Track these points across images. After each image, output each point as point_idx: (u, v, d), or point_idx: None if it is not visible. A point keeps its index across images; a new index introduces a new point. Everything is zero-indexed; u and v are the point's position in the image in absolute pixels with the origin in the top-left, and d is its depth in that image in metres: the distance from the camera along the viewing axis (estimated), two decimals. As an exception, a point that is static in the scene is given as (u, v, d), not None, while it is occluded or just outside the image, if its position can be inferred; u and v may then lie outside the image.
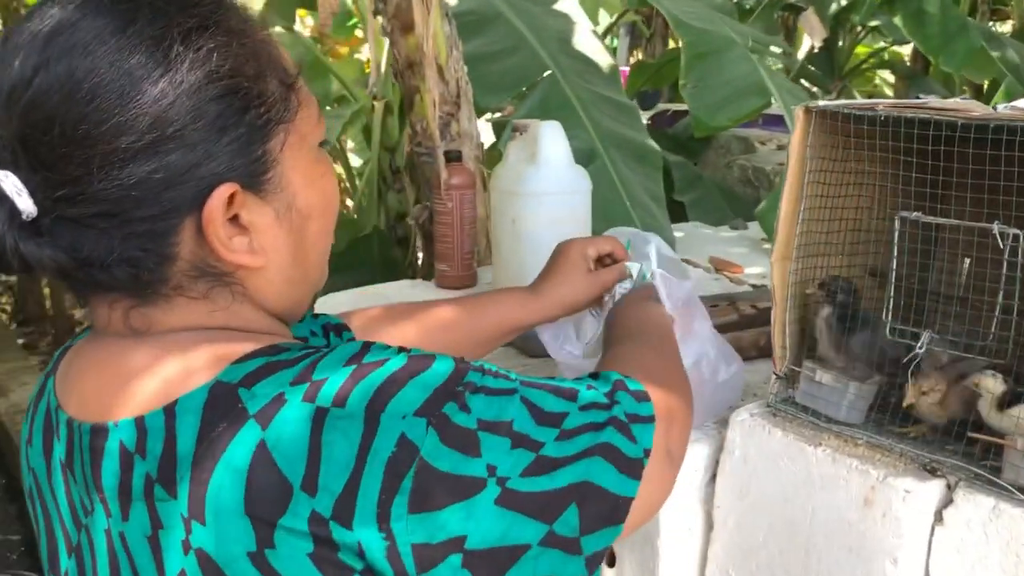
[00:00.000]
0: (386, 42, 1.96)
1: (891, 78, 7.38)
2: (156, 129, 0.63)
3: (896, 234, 0.94)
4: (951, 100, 0.91)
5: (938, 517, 0.90)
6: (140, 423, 0.65)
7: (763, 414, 1.05)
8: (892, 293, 0.95)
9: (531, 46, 2.11)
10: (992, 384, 0.89)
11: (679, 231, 2.31)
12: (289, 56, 0.73)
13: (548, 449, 0.66)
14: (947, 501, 0.90)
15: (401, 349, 0.68)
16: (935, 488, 0.90)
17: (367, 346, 0.67)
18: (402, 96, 1.90)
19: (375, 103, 2.74)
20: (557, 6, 2.33)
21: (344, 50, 5.29)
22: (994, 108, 0.90)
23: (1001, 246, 0.86)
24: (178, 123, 0.63)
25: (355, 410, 0.61)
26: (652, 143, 2.09)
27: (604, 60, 2.23)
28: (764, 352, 1.34)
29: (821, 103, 0.98)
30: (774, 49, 2.40)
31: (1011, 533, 0.84)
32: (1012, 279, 0.86)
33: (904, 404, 0.94)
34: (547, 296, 1.09)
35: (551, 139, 1.37)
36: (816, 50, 4.80)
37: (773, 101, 2.11)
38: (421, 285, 1.88)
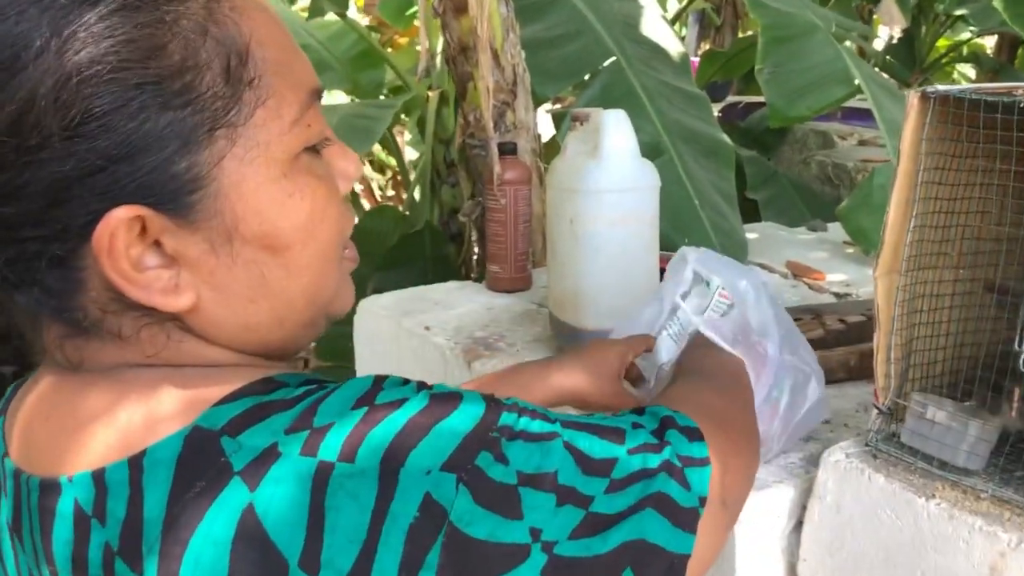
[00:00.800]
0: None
1: (971, 72, 7.04)
2: (16, 134, 0.49)
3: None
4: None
5: (1084, 595, 0.74)
6: (99, 478, 0.52)
7: (861, 455, 0.89)
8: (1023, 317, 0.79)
9: (595, 31, 1.96)
10: None
11: (752, 232, 2.14)
12: (281, 29, 0.57)
13: (598, 505, 0.55)
14: (1096, 576, 0.73)
15: (421, 385, 0.55)
16: (1081, 559, 0.74)
17: (379, 381, 0.54)
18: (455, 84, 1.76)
19: (429, 92, 2.62)
20: (623, -11, 2.17)
21: (404, 40, 5.19)
22: None
23: None
24: (47, 125, 0.49)
25: (367, 466, 0.50)
26: (724, 137, 1.92)
27: (674, 47, 2.07)
28: (854, 374, 1.19)
29: (941, 87, 0.82)
30: (858, 36, 2.21)
31: None
32: None
33: None
34: (563, 384, 0.92)
35: (615, 129, 1.22)
36: (895, 41, 4.56)
37: (859, 91, 1.92)
38: (470, 287, 1.75)
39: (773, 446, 0.94)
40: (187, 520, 0.49)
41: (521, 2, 2.01)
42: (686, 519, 0.60)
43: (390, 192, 5.35)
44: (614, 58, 1.93)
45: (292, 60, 0.57)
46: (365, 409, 0.52)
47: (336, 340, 2.51)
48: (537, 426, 0.56)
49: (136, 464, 0.51)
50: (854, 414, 1.09)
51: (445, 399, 0.54)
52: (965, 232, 0.91)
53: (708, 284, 0.98)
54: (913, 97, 0.83)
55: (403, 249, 2.66)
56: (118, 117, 0.49)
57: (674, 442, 0.63)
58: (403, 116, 3.09)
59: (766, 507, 0.94)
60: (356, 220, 0.66)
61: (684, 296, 0.99)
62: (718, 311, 0.96)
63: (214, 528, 0.49)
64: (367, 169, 5.11)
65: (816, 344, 1.22)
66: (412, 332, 1.52)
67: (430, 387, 0.56)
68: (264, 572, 0.49)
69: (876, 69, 4.87)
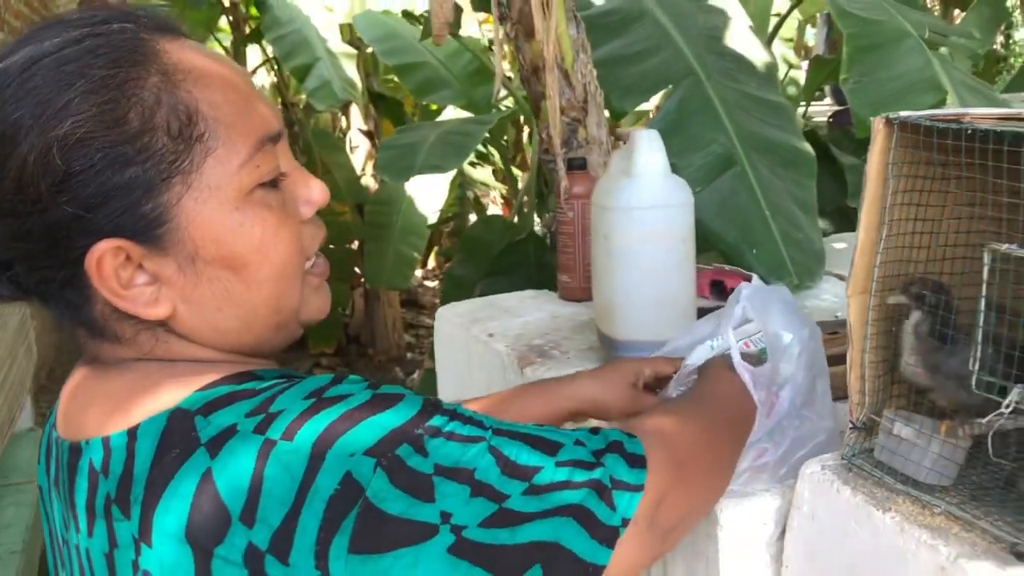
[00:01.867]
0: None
1: None
2: (19, 192, 0.64)
3: (986, 269, 0.79)
4: (1057, 108, 0.76)
5: (1023, 612, 0.75)
6: (107, 443, 0.67)
7: (836, 468, 0.92)
8: (980, 339, 0.80)
9: (676, 45, 2.00)
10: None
11: (842, 241, 2.12)
12: (234, 89, 0.69)
13: (513, 503, 0.63)
14: (1034, 594, 0.75)
15: (371, 385, 0.66)
16: (1018, 577, 0.75)
17: (338, 378, 0.66)
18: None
19: (538, 106, 2.72)
20: (712, 1, 2.19)
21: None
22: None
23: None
24: (39, 184, 0.64)
25: (302, 445, 0.61)
26: (805, 146, 1.92)
27: (760, 58, 2.08)
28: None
29: (903, 113, 0.84)
30: (962, 41, 2.14)
31: (1104, 644, 0.68)
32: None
33: None
34: (574, 388, 1.02)
35: (646, 149, 1.27)
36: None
37: (948, 98, 1.88)
38: (544, 296, 1.84)
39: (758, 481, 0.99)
40: (163, 478, 0.62)
41: (604, 19, 2.08)
42: (605, 535, 0.67)
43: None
44: (693, 72, 1.96)
45: (246, 113, 0.69)
46: (313, 400, 0.63)
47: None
48: (466, 430, 0.66)
49: (132, 434, 0.65)
50: (865, 428, 1.11)
51: (385, 398, 0.65)
52: (941, 254, 0.92)
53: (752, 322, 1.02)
54: (878, 123, 0.86)
55: (508, 256, 2.77)
56: (91, 174, 0.64)
57: (610, 465, 0.70)
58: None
59: (752, 515, 0.98)
60: (323, 236, 0.78)
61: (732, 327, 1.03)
62: (753, 347, 1.00)
63: (181, 485, 0.62)
64: (492, 179, 5.28)
65: (840, 359, 1.24)
66: (478, 339, 1.62)
67: (378, 387, 0.66)
68: (214, 522, 0.60)
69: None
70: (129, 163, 0.64)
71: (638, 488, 0.70)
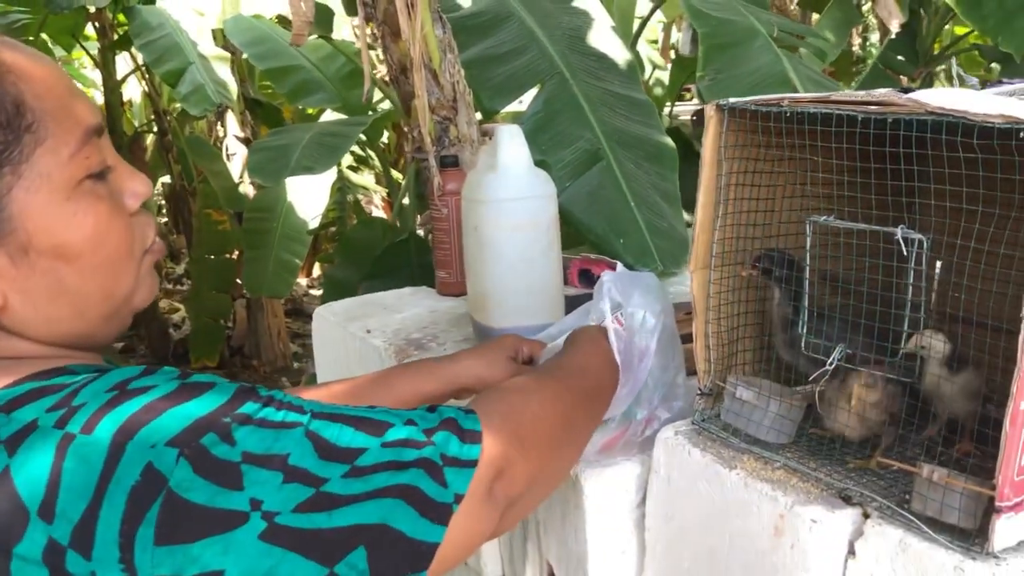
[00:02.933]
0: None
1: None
2: None
3: (808, 239, 0.86)
4: (864, 92, 0.83)
5: (851, 549, 0.82)
6: None
7: (687, 433, 0.99)
8: (806, 305, 0.88)
9: (541, 45, 2.06)
10: (938, 344, 0.82)
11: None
12: (56, 83, 0.69)
13: (331, 486, 0.64)
14: (859, 532, 0.82)
15: (181, 376, 0.66)
16: (846, 518, 0.82)
17: (147, 371, 0.66)
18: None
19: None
20: (576, 3, 2.27)
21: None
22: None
23: (905, 252, 0.78)
24: None
25: (101, 437, 0.60)
26: (667, 140, 2.01)
27: (622, 57, 2.16)
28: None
29: (732, 100, 0.91)
30: (811, 39, 2.27)
31: (916, 569, 0.76)
32: (918, 288, 0.78)
33: (851, 405, 0.86)
34: (461, 364, 1.05)
35: (509, 144, 1.32)
36: (894, 36, 4.56)
37: (797, 93, 1.99)
38: (423, 292, 1.86)
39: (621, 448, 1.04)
40: None
41: (472, 20, 2.13)
42: (436, 513, 0.67)
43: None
44: (559, 71, 2.03)
45: (69, 106, 0.69)
46: (116, 392, 0.63)
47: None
48: (280, 416, 0.65)
49: None
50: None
51: (193, 388, 0.64)
52: (780, 228, 0.99)
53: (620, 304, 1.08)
54: (709, 109, 0.92)
55: (389, 257, 2.77)
56: None
57: (440, 442, 0.70)
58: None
59: (615, 482, 1.04)
60: (155, 225, 0.79)
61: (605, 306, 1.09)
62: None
63: None
64: (370, 182, 5.27)
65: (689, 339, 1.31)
66: (355, 335, 1.64)
67: (187, 377, 0.66)
68: (11, 520, 0.59)
69: (883, 66, 4.88)
70: None
71: (470, 464, 0.71)
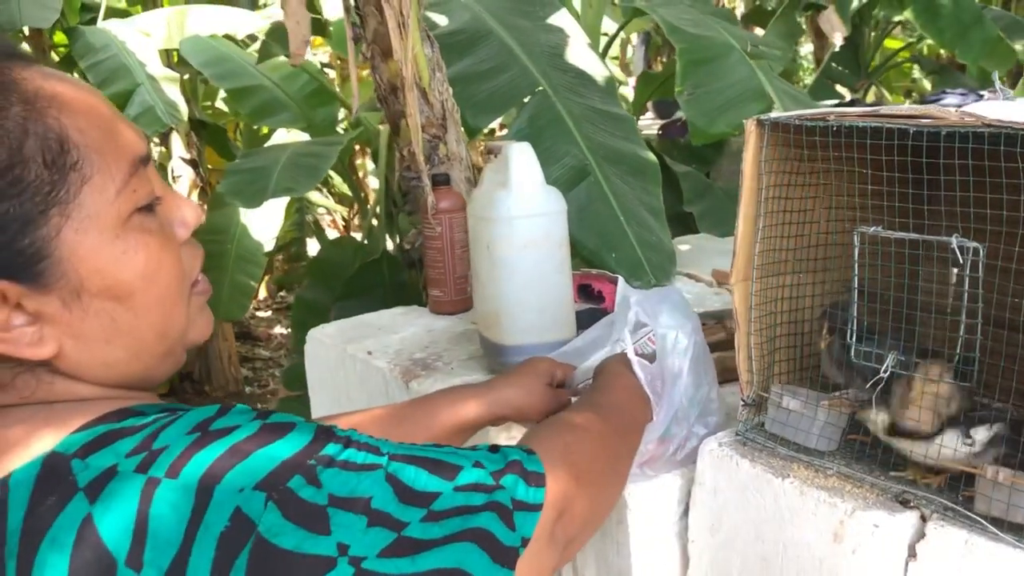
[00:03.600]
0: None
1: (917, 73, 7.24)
2: None
3: (856, 250, 0.88)
4: (906, 106, 0.86)
5: (912, 552, 0.84)
6: None
7: (732, 443, 1.00)
8: (855, 313, 0.90)
9: (521, 63, 2.07)
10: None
11: (686, 244, 2.25)
12: (98, 113, 0.66)
13: (412, 530, 0.63)
14: (920, 535, 0.84)
15: (260, 415, 0.64)
16: (907, 521, 0.84)
17: (224, 410, 0.64)
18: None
19: (380, 126, 2.73)
20: (551, 20, 2.29)
21: (365, 71, 5.32)
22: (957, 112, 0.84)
23: (960, 260, 0.80)
24: None
25: (188, 482, 0.59)
26: (649, 155, 2.03)
27: (600, 73, 2.19)
28: (750, 372, 1.29)
29: (772, 115, 0.93)
30: (776, 52, 2.34)
31: (984, 568, 0.78)
32: (974, 295, 0.80)
33: (912, 398, 0.87)
34: (499, 394, 1.04)
35: (521, 161, 1.33)
36: (838, 48, 4.70)
37: (774, 106, 2.04)
38: (415, 311, 1.85)
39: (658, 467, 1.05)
40: (39, 528, 0.59)
41: (451, 39, 2.13)
42: (505, 557, 0.67)
43: (357, 222, 5.46)
44: (541, 88, 2.04)
45: (113, 136, 0.66)
46: (198, 434, 0.61)
47: (300, 370, 2.62)
48: (361, 457, 0.65)
49: (4, 484, 0.61)
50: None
51: (275, 428, 0.63)
52: (819, 240, 1.01)
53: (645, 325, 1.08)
54: (750, 124, 0.94)
55: (362, 277, 2.76)
56: None
57: (510, 486, 0.70)
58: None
59: (658, 496, 1.04)
60: (202, 256, 0.76)
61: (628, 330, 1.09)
62: (644, 349, 1.06)
63: (59, 535, 0.58)
64: (330, 202, 5.22)
65: (717, 346, 1.34)
66: (356, 357, 1.62)
67: (267, 417, 0.65)
68: (98, 570, 0.57)
69: (827, 79, 5.02)
70: (1, 198, 0.61)
71: (537, 507, 0.71)
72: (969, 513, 0.80)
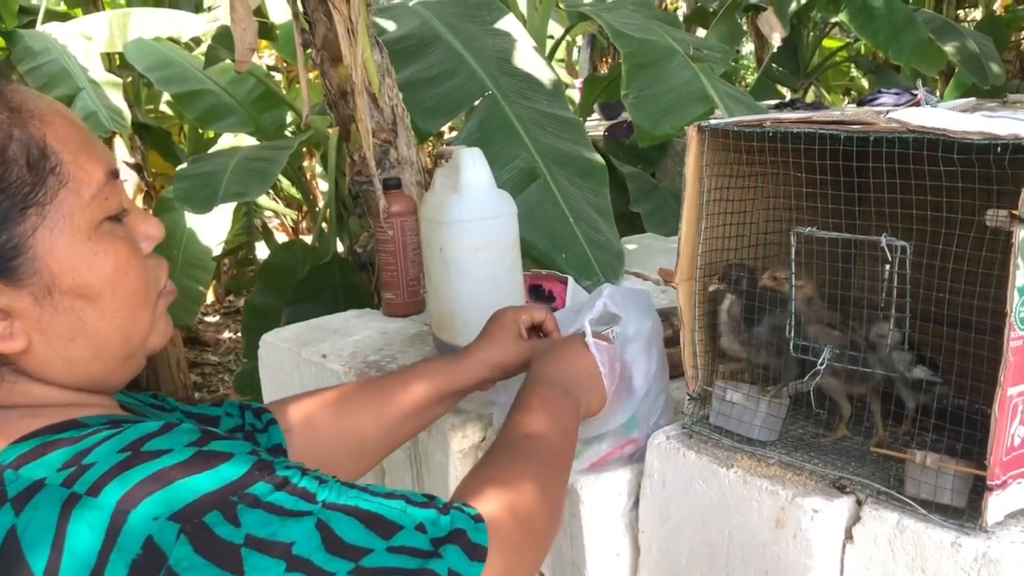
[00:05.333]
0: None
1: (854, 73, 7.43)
2: None
3: (793, 249, 0.93)
4: (838, 112, 0.91)
5: (848, 535, 0.89)
6: None
7: (679, 436, 1.04)
8: (793, 309, 0.94)
9: (470, 67, 2.11)
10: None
11: (633, 243, 2.30)
12: (75, 127, 0.70)
13: None
14: (856, 518, 0.89)
15: (197, 441, 0.65)
16: (843, 506, 0.89)
17: (167, 428, 0.66)
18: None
19: (329, 130, 2.73)
20: (498, 24, 2.32)
21: (314, 74, 5.29)
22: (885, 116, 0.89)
23: (889, 258, 0.85)
24: None
25: (106, 502, 0.60)
26: (596, 157, 2.08)
27: (547, 76, 2.23)
28: (696, 368, 1.33)
29: (713, 121, 0.97)
30: (718, 55, 2.40)
31: (915, 548, 0.83)
32: (903, 290, 0.85)
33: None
34: (475, 357, 1.06)
35: (471, 165, 1.36)
36: (776, 49, 4.81)
37: (717, 108, 2.10)
38: (368, 314, 1.87)
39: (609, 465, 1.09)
40: None
41: (400, 44, 2.15)
42: None
43: (306, 225, 5.42)
44: (490, 92, 2.07)
45: (88, 149, 0.71)
46: (128, 454, 0.62)
47: (252, 374, 2.61)
48: (291, 503, 0.64)
49: None
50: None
51: (208, 457, 0.63)
52: (760, 240, 1.06)
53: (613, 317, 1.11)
54: (691, 130, 0.98)
55: (313, 281, 2.76)
56: None
57: (449, 557, 0.68)
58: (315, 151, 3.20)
59: (609, 489, 1.08)
60: (167, 267, 0.79)
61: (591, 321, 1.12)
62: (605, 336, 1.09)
63: None
64: (278, 205, 5.20)
65: (665, 343, 1.38)
66: (310, 361, 1.63)
67: (206, 443, 0.65)
68: None
69: (767, 79, 5.13)
70: None
71: None
72: (901, 496, 0.85)
